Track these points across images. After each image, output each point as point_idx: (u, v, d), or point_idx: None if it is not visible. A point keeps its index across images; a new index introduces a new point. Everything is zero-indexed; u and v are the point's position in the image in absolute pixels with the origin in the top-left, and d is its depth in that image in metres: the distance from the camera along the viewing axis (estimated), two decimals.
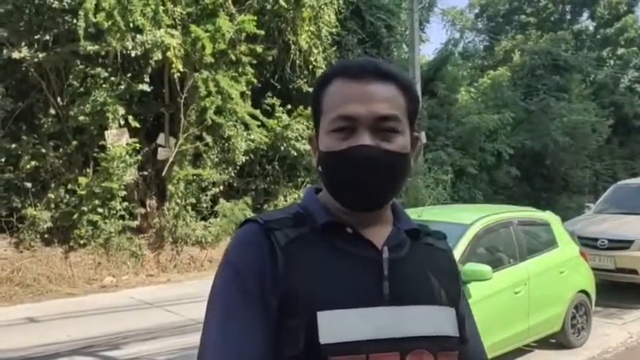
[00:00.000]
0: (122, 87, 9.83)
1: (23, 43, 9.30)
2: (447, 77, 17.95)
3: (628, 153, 23.33)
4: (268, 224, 1.03)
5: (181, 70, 10.02)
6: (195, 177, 10.69)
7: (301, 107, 11.96)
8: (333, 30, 12.81)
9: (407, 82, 1.08)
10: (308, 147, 11.56)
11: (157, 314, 7.49)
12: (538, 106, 19.09)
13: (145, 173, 10.80)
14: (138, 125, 10.19)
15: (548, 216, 6.54)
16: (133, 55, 9.55)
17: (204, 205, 11.07)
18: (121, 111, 9.69)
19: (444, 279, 1.12)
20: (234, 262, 1.03)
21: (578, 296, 6.18)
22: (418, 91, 14.63)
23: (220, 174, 11.10)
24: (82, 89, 9.73)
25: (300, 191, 12.00)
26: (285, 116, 11.73)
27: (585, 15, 30.50)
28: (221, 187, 11.38)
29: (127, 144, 9.83)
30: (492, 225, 5.53)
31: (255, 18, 10.85)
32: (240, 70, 11.08)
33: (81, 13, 8.99)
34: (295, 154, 11.72)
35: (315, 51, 12.27)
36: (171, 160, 10.43)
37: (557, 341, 6.09)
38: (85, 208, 9.50)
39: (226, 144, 11.10)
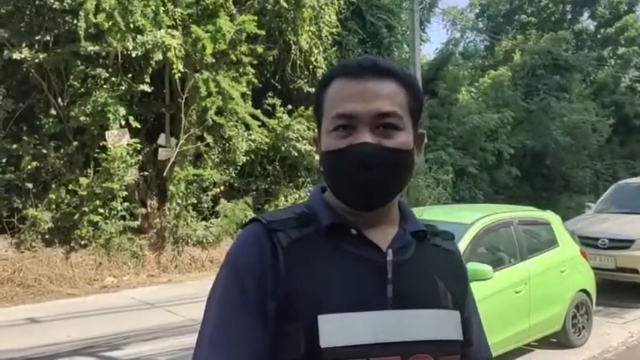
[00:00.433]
0: (123, 87, 9.83)
1: (24, 44, 9.31)
2: (447, 77, 17.95)
3: (629, 152, 23.31)
4: (271, 224, 1.02)
5: (182, 70, 10.03)
6: (196, 177, 10.69)
7: (302, 107, 11.97)
8: (334, 30, 12.82)
9: (408, 79, 1.07)
10: (309, 147, 11.66)
11: (157, 315, 7.50)
12: (539, 106, 19.09)
13: (146, 173, 10.80)
14: (139, 125, 10.19)
15: (549, 215, 6.54)
16: (133, 55, 9.55)
17: (205, 206, 11.07)
18: (122, 111, 9.69)
19: (451, 281, 1.10)
20: (234, 263, 1.03)
21: (579, 295, 6.18)
22: None
23: (221, 174, 11.10)
24: (82, 90, 9.73)
25: (301, 191, 12.01)
26: (285, 116, 11.73)
27: (586, 14, 30.48)
28: (222, 188, 11.38)
29: (128, 144, 9.84)
30: (493, 225, 5.54)
31: (256, 18, 10.86)
32: (240, 70, 11.08)
33: (81, 13, 9.00)
34: (296, 154, 11.72)
35: (316, 51, 12.28)
36: (172, 160, 10.43)
37: (557, 341, 6.09)
38: (86, 209, 9.50)
39: (227, 144, 11.11)
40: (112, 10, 9.12)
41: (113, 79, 9.71)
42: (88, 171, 9.89)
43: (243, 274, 1.00)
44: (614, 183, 11.22)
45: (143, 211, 10.53)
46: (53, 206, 9.60)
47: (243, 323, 0.98)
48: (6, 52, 9.25)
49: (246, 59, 11.03)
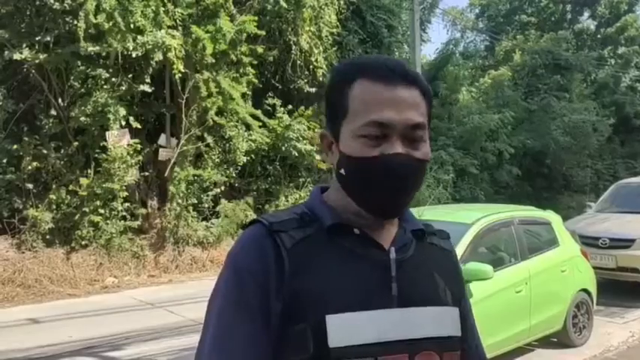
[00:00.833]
0: (123, 88, 9.83)
1: (24, 45, 9.32)
2: (448, 77, 17.96)
3: (629, 152, 23.30)
4: (273, 226, 1.02)
5: (182, 70, 10.03)
6: (196, 177, 10.69)
7: (302, 107, 11.98)
8: (334, 30, 12.82)
9: (426, 87, 1.07)
10: (309, 147, 11.66)
11: (158, 315, 7.50)
12: (539, 106, 19.09)
13: (147, 174, 10.80)
14: (139, 126, 10.20)
15: (549, 215, 6.54)
16: (133, 55, 9.55)
17: (206, 206, 11.08)
18: (122, 112, 9.70)
19: (448, 279, 1.12)
20: (235, 265, 1.02)
21: (580, 295, 6.18)
22: None
23: (221, 174, 11.11)
24: (83, 90, 9.74)
25: (302, 191, 12.01)
26: (286, 116, 11.74)
27: (586, 14, 30.47)
28: (222, 188, 11.39)
29: (128, 145, 9.84)
30: (493, 224, 5.54)
31: (256, 18, 10.86)
32: (241, 70, 11.09)
33: (81, 14, 9.01)
34: (296, 154, 11.72)
35: (316, 51, 12.28)
36: (172, 160, 10.43)
37: (558, 340, 6.09)
38: (87, 209, 9.51)
39: (227, 144, 11.11)
40: (112, 10, 9.13)
41: (113, 79, 9.72)
42: (89, 171, 9.89)
43: (245, 276, 0.99)
44: (614, 183, 11.21)
45: (144, 211, 10.54)
46: (54, 207, 9.60)
47: (244, 326, 0.97)
48: (6, 52, 9.26)
49: (246, 59, 11.03)
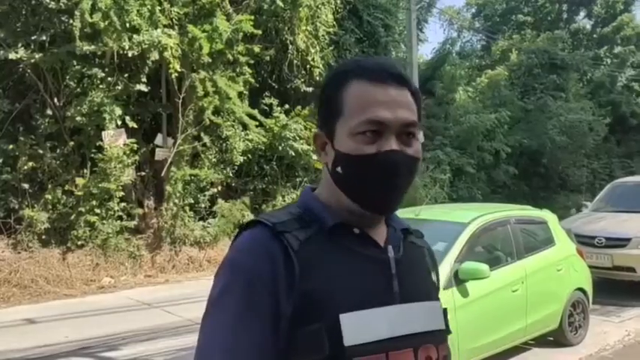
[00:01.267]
0: (119, 87, 9.80)
1: (20, 44, 9.28)
2: (444, 76, 17.98)
3: (625, 151, 23.38)
4: (278, 226, 1.02)
5: (179, 70, 10.01)
6: (193, 177, 10.68)
7: (299, 107, 11.97)
8: (331, 29, 12.82)
9: (416, 88, 1.12)
10: (306, 147, 11.66)
11: (155, 315, 7.49)
12: (535, 105, 19.13)
13: (143, 174, 10.78)
14: (135, 125, 10.17)
15: (546, 214, 6.56)
16: (129, 55, 9.53)
17: (203, 206, 11.06)
18: (118, 111, 9.67)
19: (430, 275, 1.20)
20: (241, 269, 1.01)
21: (576, 294, 6.19)
22: None
23: (218, 174, 11.10)
24: (78, 90, 9.71)
25: (299, 191, 12.00)
26: (282, 116, 11.73)
27: (582, 14, 30.56)
28: (219, 188, 11.38)
29: (125, 144, 9.82)
30: (490, 223, 5.55)
31: (253, 18, 10.85)
32: (237, 70, 11.07)
33: (77, 13, 8.97)
34: (293, 154, 11.71)
35: (313, 51, 12.28)
36: (169, 160, 10.41)
37: (554, 339, 6.10)
38: (83, 209, 9.48)
39: (224, 144, 11.10)
40: (107, 9, 9.10)
41: (109, 78, 9.69)
42: (85, 171, 9.87)
43: (251, 280, 0.99)
44: (610, 182, 11.24)
45: (140, 211, 10.52)
46: (50, 207, 9.58)
47: (253, 330, 0.97)
48: (2, 52, 9.21)
49: (242, 59, 11.02)
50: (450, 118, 16.93)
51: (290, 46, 11.96)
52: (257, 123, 11.50)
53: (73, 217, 9.50)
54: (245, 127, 11.27)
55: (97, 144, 9.74)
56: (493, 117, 16.71)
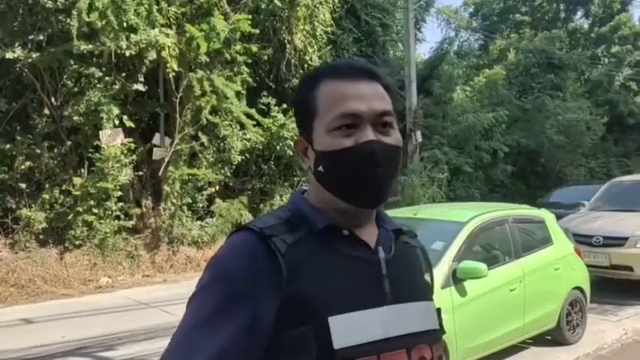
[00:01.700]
0: (116, 87, 9.79)
1: (17, 43, 9.26)
2: (442, 76, 17.96)
3: (622, 151, 23.42)
4: (264, 231, 1.02)
5: (176, 69, 10.00)
6: (190, 177, 10.66)
7: None
8: (328, 29, 12.82)
9: (388, 81, 1.12)
10: None
11: (153, 315, 7.48)
12: (533, 105, 19.15)
13: (141, 173, 10.76)
14: (133, 125, 10.16)
15: (543, 213, 6.56)
16: (127, 54, 9.51)
17: (200, 205, 11.05)
18: (116, 111, 9.65)
19: (423, 275, 1.19)
20: (223, 272, 1.01)
21: (573, 293, 6.20)
22: (414, 89, 14.83)
23: (216, 174, 11.08)
24: (76, 89, 9.69)
25: (297, 190, 11.98)
26: (280, 115, 11.72)
27: (579, 13, 30.60)
28: (217, 187, 11.36)
29: (122, 144, 9.80)
30: (488, 223, 5.55)
31: (250, 17, 10.84)
32: (235, 69, 11.06)
33: (74, 12, 8.96)
34: (291, 153, 11.70)
35: (311, 50, 12.27)
36: (166, 160, 10.40)
37: (552, 338, 6.10)
38: (80, 209, 9.46)
39: (222, 144, 11.08)
40: (105, 8, 9.08)
41: (107, 78, 9.68)
42: (82, 171, 9.86)
43: (229, 280, 0.99)
44: (607, 181, 11.26)
45: (138, 211, 10.50)
46: (47, 206, 9.56)
47: (222, 334, 0.96)
48: None
49: (240, 58, 11.01)
50: (447, 117, 16.93)
51: (288, 46, 11.95)
52: (255, 122, 11.49)
53: (70, 216, 9.49)
54: (243, 126, 11.26)
55: (95, 143, 9.72)
56: (491, 116, 16.71)
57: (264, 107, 11.99)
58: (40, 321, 7.24)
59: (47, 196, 9.54)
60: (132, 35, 9.43)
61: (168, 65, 9.84)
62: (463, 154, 16.06)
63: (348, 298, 1.00)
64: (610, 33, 27.85)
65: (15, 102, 9.76)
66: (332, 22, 12.92)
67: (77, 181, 9.57)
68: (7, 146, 9.49)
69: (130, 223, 10.08)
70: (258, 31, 11.15)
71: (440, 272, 4.73)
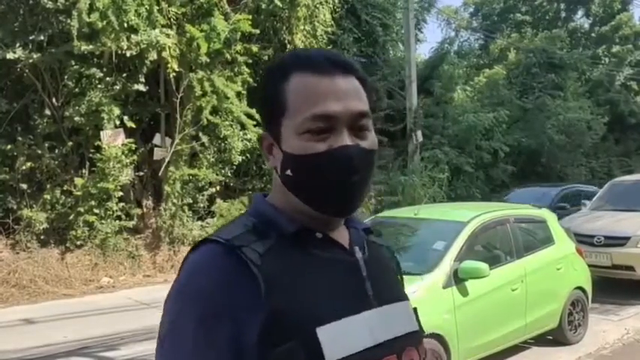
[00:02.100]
0: (117, 87, 9.80)
1: (18, 44, 9.26)
2: (442, 76, 17.97)
3: (623, 150, 23.42)
4: (232, 242, 0.91)
5: (177, 69, 10.00)
6: (191, 177, 10.67)
7: None
8: (329, 29, 12.82)
9: (364, 75, 1.02)
10: None
11: (154, 315, 7.42)
12: (534, 104, 19.16)
13: (141, 173, 10.77)
14: (133, 125, 10.16)
15: (545, 213, 6.56)
16: (127, 55, 9.52)
17: (201, 205, 11.05)
18: (117, 111, 9.66)
19: (395, 274, 1.14)
20: (194, 295, 0.90)
21: (575, 293, 6.19)
22: (414, 89, 14.83)
23: (217, 174, 11.08)
24: (77, 90, 9.69)
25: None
26: None
27: (580, 13, 30.60)
28: (217, 187, 11.36)
29: (123, 144, 9.81)
30: (489, 222, 5.55)
31: (251, 17, 10.84)
32: (235, 69, 11.06)
33: (74, 13, 8.96)
34: None
35: None
36: (167, 160, 10.40)
37: (554, 338, 6.10)
38: (81, 209, 9.47)
39: (222, 144, 11.08)
40: (105, 9, 9.08)
41: (108, 78, 9.68)
42: (83, 171, 9.86)
43: (204, 306, 0.88)
44: (609, 181, 11.26)
45: (139, 211, 10.51)
46: (48, 207, 9.56)
47: None
48: (0, 52, 9.20)
49: (240, 58, 11.01)
50: (448, 117, 16.93)
51: (288, 46, 11.95)
52: (255, 122, 11.47)
53: (71, 217, 9.49)
54: (243, 126, 11.25)
55: (96, 144, 9.72)
56: (491, 116, 16.71)
57: None
58: (42, 321, 7.24)
59: (48, 197, 9.55)
60: (132, 36, 9.42)
61: (169, 65, 9.84)
62: (464, 154, 16.06)
63: (333, 306, 0.92)
64: (611, 32, 27.85)
65: (16, 102, 9.77)
66: (332, 22, 12.92)
67: (78, 181, 9.57)
68: (8, 147, 9.49)
69: (130, 224, 10.08)
70: (258, 31, 11.15)
71: (441, 272, 4.74)
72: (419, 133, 14.57)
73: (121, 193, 9.80)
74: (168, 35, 9.85)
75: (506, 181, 17.60)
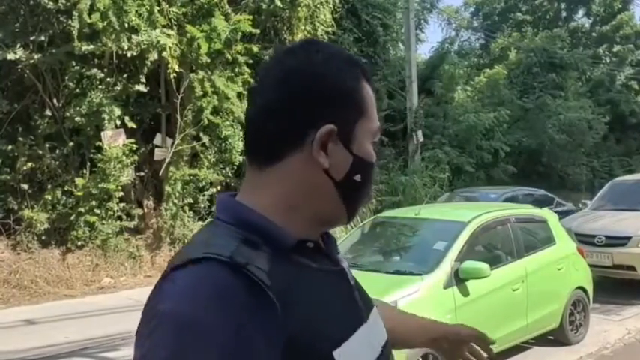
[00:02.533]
0: (118, 88, 9.80)
1: (19, 45, 9.26)
2: (443, 76, 17.98)
3: (624, 150, 23.42)
4: (235, 259, 0.77)
5: (177, 70, 10.00)
6: (192, 177, 10.67)
7: None
8: (329, 29, 12.81)
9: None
10: None
11: None
12: (534, 104, 19.16)
13: (142, 174, 10.77)
14: (134, 126, 10.16)
15: (546, 213, 6.56)
16: (128, 55, 9.52)
17: (202, 206, 11.05)
18: (117, 112, 9.66)
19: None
20: (208, 330, 0.72)
21: (576, 293, 6.19)
22: (415, 89, 14.85)
23: (217, 174, 11.09)
24: (77, 90, 9.69)
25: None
26: None
27: (581, 12, 30.59)
28: (218, 188, 11.36)
29: (124, 145, 9.81)
30: (490, 222, 5.55)
31: (251, 17, 10.84)
32: (236, 69, 11.06)
33: (75, 13, 8.96)
34: None
35: None
36: (168, 160, 10.41)
37: (555, 338, 6.10)
38: (82, 210, 9.47)
39: (223, 144, 11.08)
40: (106, 9, 9.08)
41: (108, 79, 9.68)
42: (84, 172, 9.86)
43: (221, 345, 0.73)
44: (610, 180, 11.25)
45: (139, 211, 10.51)
46: (49, 207, 9.57)
47: None
48: (0, 52, 9.20)
49: (241, 59, 11.01)
50: (448, 117, 16.94)
51: None
52: None
53: (72, 217, 9.50)
54: (244, 127, 11.26)
55: (97, 144, 9.73)
56: (492, 116, 16.72)
57: None
58: (43, 322, 7.24)
59: (49, 197, 9.55)
60: (133, 36, 9.43)
61: (170, 66, 9.84)
62: (464, 153, 16.07)
63: (339, 323, 0.86)
64: (611, 32, 27.85)
65: (17, 103, 9.77)
66: (333, 22, 12.92)
67: (79, 181, 9.58)
68: (9, 147, 9.50)
69: (131, 224, 10.09)
70: (259, 31, 11.15)
71: (442, 272, 4.74)
72: (419, 133, 14.57)
73: (121, 194, 9.81)
74: (168, 35, 9.85)
75: (507, 181, 17.60)
